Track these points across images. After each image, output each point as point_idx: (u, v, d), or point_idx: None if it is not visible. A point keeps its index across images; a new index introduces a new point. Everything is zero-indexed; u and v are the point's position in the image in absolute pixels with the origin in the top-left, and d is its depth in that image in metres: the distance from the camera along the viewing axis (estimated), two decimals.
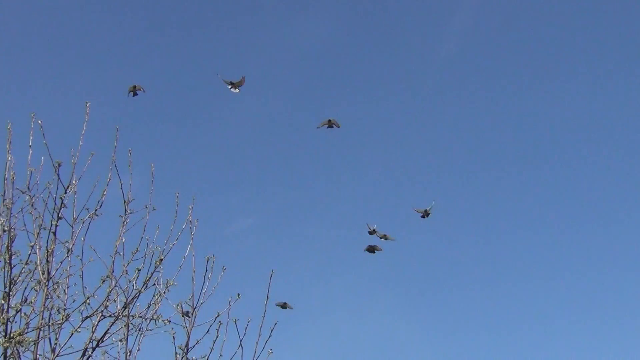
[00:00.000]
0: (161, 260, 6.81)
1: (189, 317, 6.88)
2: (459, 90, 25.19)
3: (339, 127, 13.91)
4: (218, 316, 6.68)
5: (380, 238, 14.20)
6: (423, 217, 14.53)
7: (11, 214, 6.64)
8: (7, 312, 6.49)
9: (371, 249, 14.14)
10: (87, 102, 7.25)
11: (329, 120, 13.74)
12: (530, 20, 25.93)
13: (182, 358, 6.64)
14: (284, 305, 9.51)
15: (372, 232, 14.26)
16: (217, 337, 6.53)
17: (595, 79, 26.11)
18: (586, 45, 25.96)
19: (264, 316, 6.69)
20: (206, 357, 6.51)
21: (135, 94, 12.94)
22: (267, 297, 6.76)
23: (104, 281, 6.73)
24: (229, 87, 13.12)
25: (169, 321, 6.79)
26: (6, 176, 6.82)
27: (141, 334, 6.74)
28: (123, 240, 6.88)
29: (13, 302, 6.55)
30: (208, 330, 6.67)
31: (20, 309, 6.48)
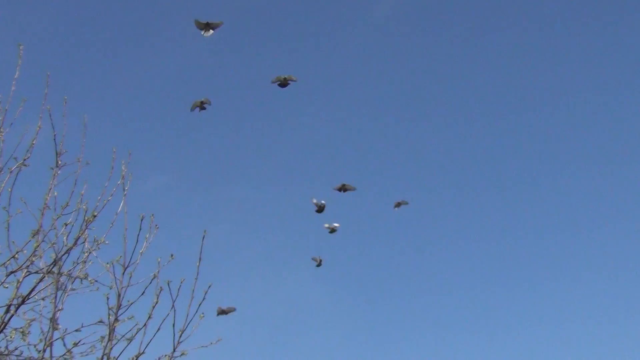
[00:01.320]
0: (95, 216, 6.51)
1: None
2: (392, 54, 24.52)
3: (295, 81, 13.17)
4: (154, 277, 6.41)
5: (339, 189, 13.74)
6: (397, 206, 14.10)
7: None
8: None
9: (342, 188, 13.40)
10: (20, 45, 6.87)
11: (284, 78, 13.00)
12: None
13: (113, 320, 6.39)
14: (222, 312, 8.72)
15: (320, 209, 13.66)
16: (156, 302, 6.26)
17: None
18: None
19: (197, 278, 6.44)
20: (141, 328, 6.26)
21: (202, 109, 12.01)
22: (200, 259, 6.47)
23: (34, 235, 6.42)
24: (202, 30, 12.34)
25: (96, 281, 6.52)
26: None
27: (66, 292, 6.46)
28: (55, 194, 6.56)
29: None
30: (143, 292, 6.40)
31: None
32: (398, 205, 13.86)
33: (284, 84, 12.71)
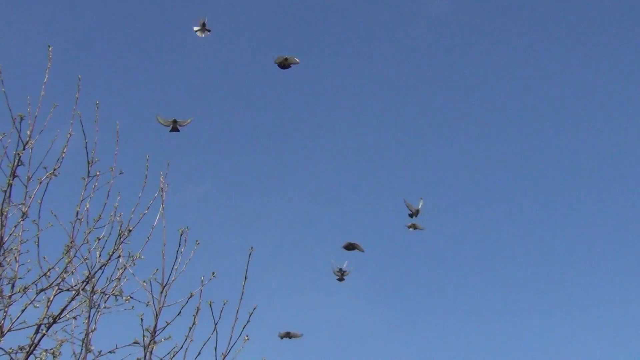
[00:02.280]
0: (130, 230, 6.11)
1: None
2: (449, 50, 24.01)
3: (297, 63, 12.72)
4: (191, 297, 6.01)
5: (409, 227, 13.45)
6: (412, 216, 13.78)
7: None
8: None
9: (350, 247, 13.18)
10: (49, 46, 6.47)
11: (285, 59, 12.57)
12: None
13: (149, 341, 5.99)
14: (287, 335, 7.98)
15: (413, 214, 13.37)
16: (193, 324, 5.86)
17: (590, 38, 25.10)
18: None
19: (241, 299, 6.05)
20: (179, 348, 5.86)
21: (176, 130, 11.64)
22: (245, 278, 6.11)
23: (67, 252, 6.01)
24: (198, 31, 12.17)
25: (132, 298, 6.12)
26: None
27: (99, 311, 6.05)
28: (88, 206, 6.15)
29: None
30: (179, 312, 6.01)
31: None
32: (413, 227, 13.59)
33: (284, 64, 12.41)
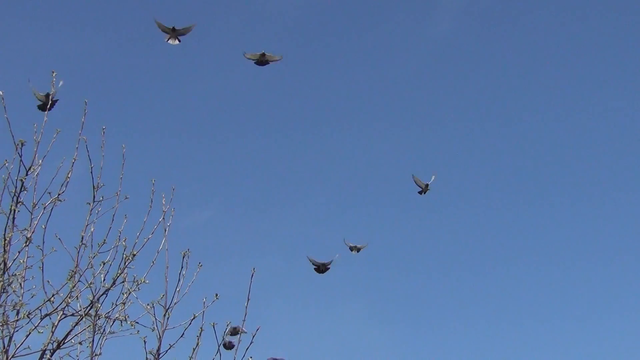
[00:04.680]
0: (134, 254, 6.11)
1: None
2: (451, 70, 24.22)
3: (278, 60, 11.68)
4: (194, 318, 6.00)
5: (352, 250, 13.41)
6: (421, 193, 13.66)
7: None
8: None
9: (321, 269, 13.03)
10: (53, 72, 6.52)
11: (262, 55, 11.48)
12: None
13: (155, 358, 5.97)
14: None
15: (423, 190, 13.27)
16: (197, 345, 5.85)
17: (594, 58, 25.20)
18: (585, 27, 25.03)
19: (245, 320, 6.02)
20: None
21: (177, 39, 10.95)
22: (248, 299, 6.08)
23: (71, 277, 6.02)
24: (167, 36, 11.20)
25: (136, 322, 6.10)
26: None
27: (104, 336, 6.05)
28: (92, 230, 6.16)
29: None
30: (183, 334, 5.99)
31: None
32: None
33: (261, 61, 11.45)
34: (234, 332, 6.02)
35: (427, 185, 13.46)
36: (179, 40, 11.20)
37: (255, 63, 11.46)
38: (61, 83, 10.40)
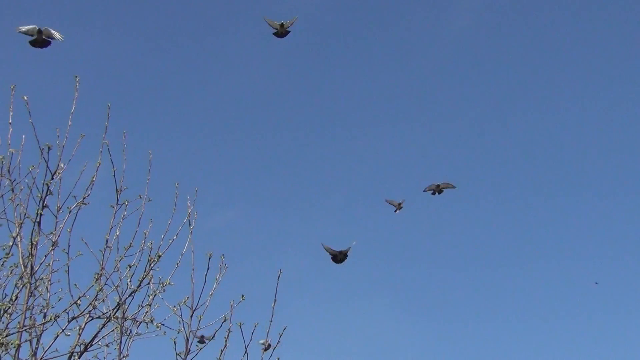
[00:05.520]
0: (159, 256, 6.13)
1: (205, 343, 6.25)
2: (471, 64, 24.09)
3: (292, 24, 11.80)
4: (225, 321, 6.02)
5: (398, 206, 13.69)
6: (396, 211, 14.05)
7: None
8: None
9: (339, 258, 13.07)
10: (76, 77, 6.55)
11: (282, 24, 11.69)
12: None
13: None
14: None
15: (398, 207, 13.61)
16: (225, 346, 5.86)
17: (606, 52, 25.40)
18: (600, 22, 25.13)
19: (272, 320, 6.05)
20: None
21: (44, 44, 10.93)
22: (275, 300, 6.11)
23: (97, 279, 6.05)
24: (274, 31, 11.51)
25: (162, 324, 6.13)
26: None
27: (131, 338, 6.08)
28: (118, 233, 6.19)
29: None
30: (213, 336, 6.02)
31: (9, 308, 5.81)
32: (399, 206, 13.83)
33: (281, 33, 11.57)
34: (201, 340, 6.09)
35: (400, 204, 13.93)
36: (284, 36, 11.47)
37: (274, 34, 11.65)
38: (61, 37, 10.45)
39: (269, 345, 6.10)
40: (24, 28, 10.81)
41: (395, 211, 13.97)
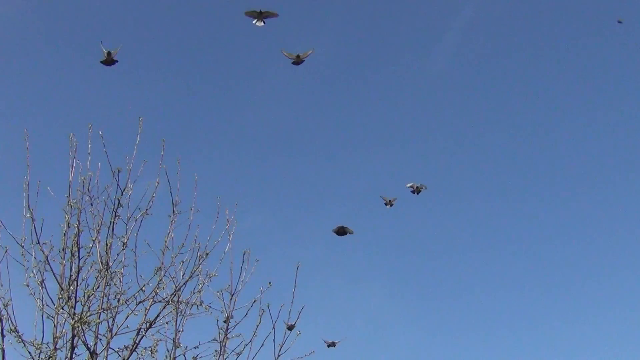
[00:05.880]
0: (207, 254, 7.88)
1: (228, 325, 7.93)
2: (450, 101, 30.13)
3: (275, 16, 13.30)
4: (255, 302, 7.75)
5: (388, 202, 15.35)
6: (387, 206, 15.59)
7: (80, 212, 7.75)
8: (75, 297, 7.59)
9: (341, 231, 14.47)
10: (140, 118, 8.33)
11: (260, 12, 13.17)
12: (514, 41, 30.71)
13: (223, 338, 7.73)
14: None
15: (388, 203, 15.25)
16: (259, 322, 7.57)
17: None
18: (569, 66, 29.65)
19: (292, 302, 7.74)
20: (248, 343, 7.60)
21: (111, 63, 13.33)
22: (295, 286, 7.80)
23: (156, 272, 7.80)
24: (254, 19, 13.20)
25: (209, 307, 7.85)
26: (70, 180, 7.93)
27: (185, 317, 7.81)
28: (173, 236, 7.95)
29: (81, 289, 7.64)
30: (246, 314, 7.74)
31: (91, 295, 7.57)
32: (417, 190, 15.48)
33: (297, 62, 13.26)
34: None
35: (390, 201, 15.54)
36: (264, 23, 13.31)
37: (292, 63, 13.51)
38: (119, 48, 12.73)
39: (292, 326, 7.80)
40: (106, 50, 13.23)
41: (386, 205, 15.52)
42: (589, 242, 30.08)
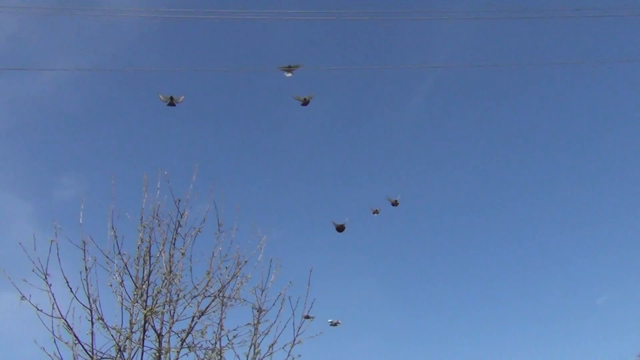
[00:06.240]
0: (245, 261, 10.50)
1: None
2: (424, 144, 37.51)
3: (298, 67, 16.22)
4: (279, 296, 10.30)
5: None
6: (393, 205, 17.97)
7: (150, 231, 10.46)
8: (147, 293, 10.23)
9: (341, 228, 16.75)
10: (195, 163, 11.07)
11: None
12: (467, 103, 37.82)
13: (256, 322, 10.28)
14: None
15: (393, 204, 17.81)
16: (281, 308, 10.14)
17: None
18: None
19: (307, 295, 10.27)
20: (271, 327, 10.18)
21: (173, 104, 16.54)
22: (309, 284, 10.32)
23: (206, 274, 10.42)
24: (286, 72, 16.11)
25: (245, 300, 10.44)
26: (143, 207, 10.64)
27: (227, 307, 10.38)
28: (220, 249, 10.59)
29: (150, 288, 10.30)
30: (273, 304, 10.29)
31: (159, 292, 10.20)
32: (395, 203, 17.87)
33: (305, 103, 16.04)
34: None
35: (396, 200, 17.83)
36: (292, 73, 16.69)
37: (301, 104, 16.36)
38: (182, 98, 16.19)
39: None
40: (162, 96, 16.49)
41: (393, 205, 17.81)
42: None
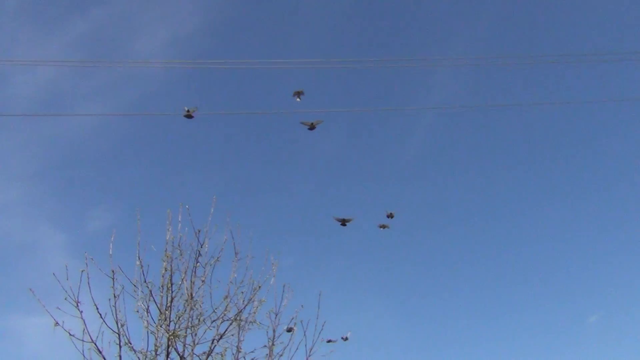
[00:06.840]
0: (260, 287, 11.36)
1: (292, 332, 11.31)
2: (425, 176, 38.11)
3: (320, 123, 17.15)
4: (292, 319, 11.16)
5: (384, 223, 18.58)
6: (389, 217, 18.72)
7: (173, 260, 11.35)
8: (170, 318, 11.10)
9: (344, 222, 17.42)
10: (214, 197, 11.95)
11: (311, 123, 17.02)
12: (476, 128, 38.12)
13: (271, 344, 11.14)
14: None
15: (389, 216, 18.56)
16: (292, 330, 10.97)
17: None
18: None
19: (317, 317, 11.11)
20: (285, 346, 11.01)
21: (190, 117, 17.48)
22: (319, 307, 11.17)
23: (224, 299, 11.29)
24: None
25: (261, 323, 11.29)
26: (167, 239, 11.53)
27: (244, 330, 11.23)
28: (235, 275, 11.46)
29: (173, 313, 11.18)
30: (286, 327, 11.13)
31: (181, 316, 11.07)
32: (390, 215, 18.62)
33: (312, 128, 16.72)
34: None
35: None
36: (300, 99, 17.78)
37: (308, 129, 17.25)
38: (195, 109, 17.37)
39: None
40: (186, 108, 17.71)
41: (388, 217, 18.50)
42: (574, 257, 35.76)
